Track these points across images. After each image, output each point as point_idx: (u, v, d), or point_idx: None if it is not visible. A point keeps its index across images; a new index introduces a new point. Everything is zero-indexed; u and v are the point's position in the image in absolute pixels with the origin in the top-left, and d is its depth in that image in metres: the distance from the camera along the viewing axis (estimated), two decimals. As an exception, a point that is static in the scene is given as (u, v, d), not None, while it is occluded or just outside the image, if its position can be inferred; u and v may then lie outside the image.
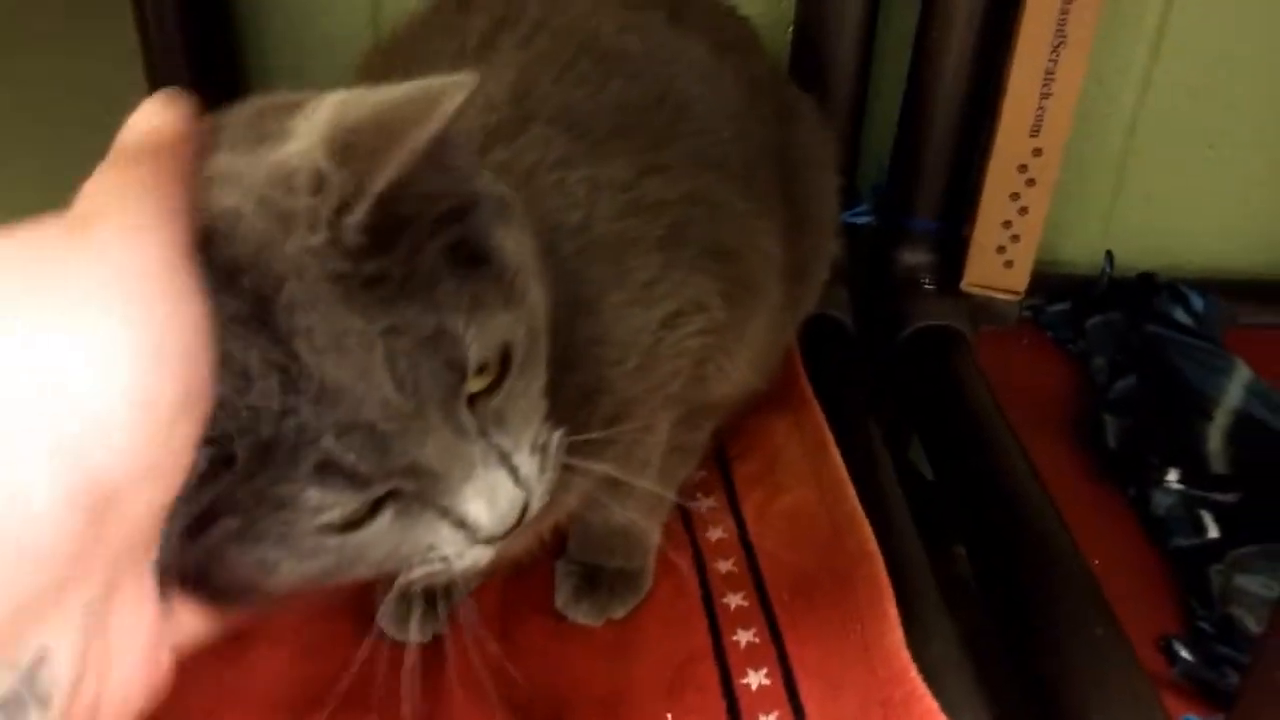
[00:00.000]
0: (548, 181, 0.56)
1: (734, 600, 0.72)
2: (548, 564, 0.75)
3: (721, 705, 0.65)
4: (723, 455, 0.85)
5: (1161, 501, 0.82)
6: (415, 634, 0.68)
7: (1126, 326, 1.01)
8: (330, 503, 0.39)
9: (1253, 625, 0.72)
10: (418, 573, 0.44)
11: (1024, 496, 0.77)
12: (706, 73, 0.71)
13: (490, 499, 0.42)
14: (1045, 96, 0.92)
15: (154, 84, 0.99)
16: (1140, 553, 0.81)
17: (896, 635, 0.63)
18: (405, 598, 0.69)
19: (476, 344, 0.40)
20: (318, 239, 0.37)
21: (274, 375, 0.36)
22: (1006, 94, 0.93)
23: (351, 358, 0.37)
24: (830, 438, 0.82)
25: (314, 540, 0.40)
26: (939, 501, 0.85)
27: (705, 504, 0.81)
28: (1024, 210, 0.98)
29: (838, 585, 0.69)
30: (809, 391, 0.88)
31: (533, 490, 0.44)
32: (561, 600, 0.72)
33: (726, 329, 0.65)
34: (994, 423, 0.85)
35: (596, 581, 0.72)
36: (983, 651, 0.66)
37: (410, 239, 0.39)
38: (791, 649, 0.67)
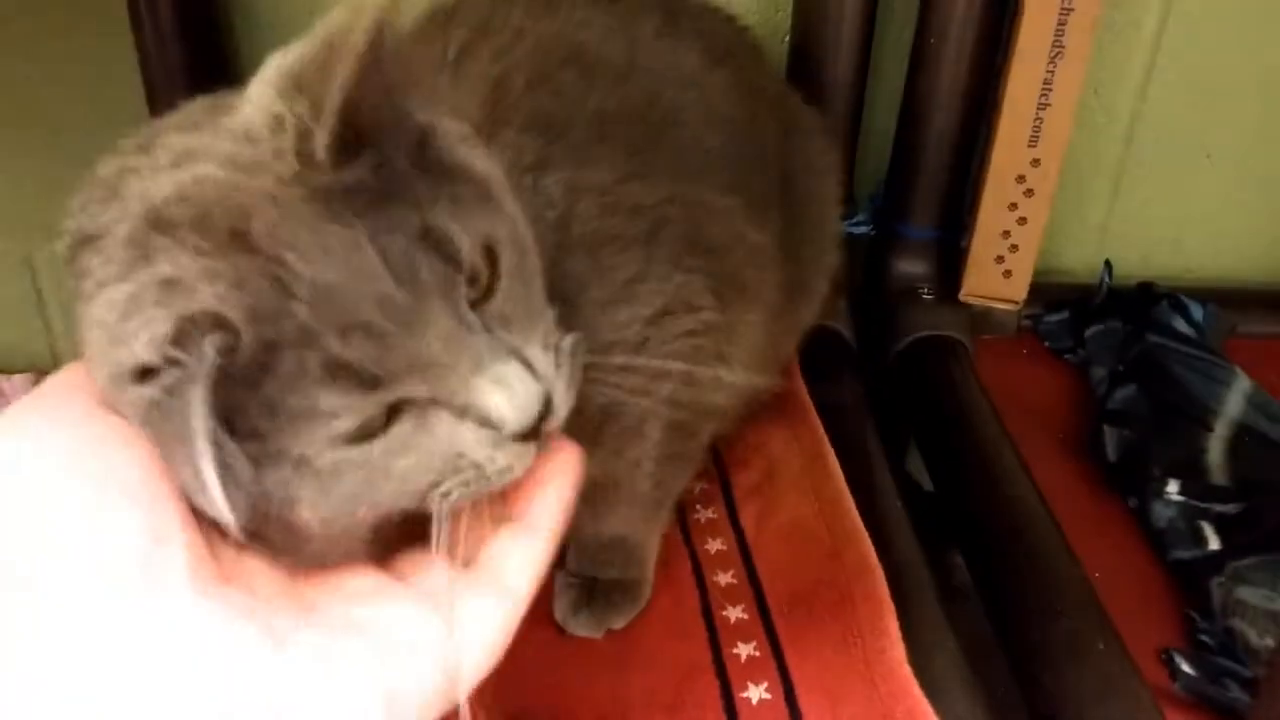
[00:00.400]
0: (521, 184, 0.55)
1: (734, 613, 0.72)
2: (547, 575, 0.74)
3: (722, 719, 0.64)
4: (721, 466, 0.85)
5: (1162, 513, 0.81)
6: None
7: (1126, 336, 1.00)
8: (341, 407, 0.38)
9: (1254, 638, 0.71)
10: (454, 488, 0.42)
11: (1024, 510, 0.77)
12: (695, 81, 0.71)
13: (508, 390, 0.41)
14: (1043, 107, 0.91)
15: (151, 92, 0.99)
16: (1141, 564, 0.80)
17: (898, 651, 0.62)
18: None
19: (465, 239, 0.40)
20: (286, 169, 0.38)
21: (266, 282, 0.37)
22: (1004, 105, 0.93)
23: (341, 259, 0.38)
24: (829, 449, 0.82)
25: (333, 456, 0.39)
26: (937, 512, 0.84)
27: (704, 515, 0.81)
28: (1022, 220, 0.97)
29: (838, 599, 0.68)
30: (807, 402, 0.88)
31: (552, 383, 0.44)
32: (560, 612, 0.72)
33: (719, 330, 0.64)
34: (994, 434, 0.85)
35: (595, 593, 0.72)
36: (985, 666, 0.66)
37: (377, 150, 0.40)
38: (792, 663, 0.67)
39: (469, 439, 0.42)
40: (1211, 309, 1.03)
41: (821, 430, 0.84)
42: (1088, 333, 1.03)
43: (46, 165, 1.06)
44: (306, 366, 0.38)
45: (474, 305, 0.42)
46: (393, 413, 0.40)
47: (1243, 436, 0.89)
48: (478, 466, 0.42)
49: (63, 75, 1.04)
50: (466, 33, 0.65)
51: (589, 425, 0.56)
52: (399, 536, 0.44)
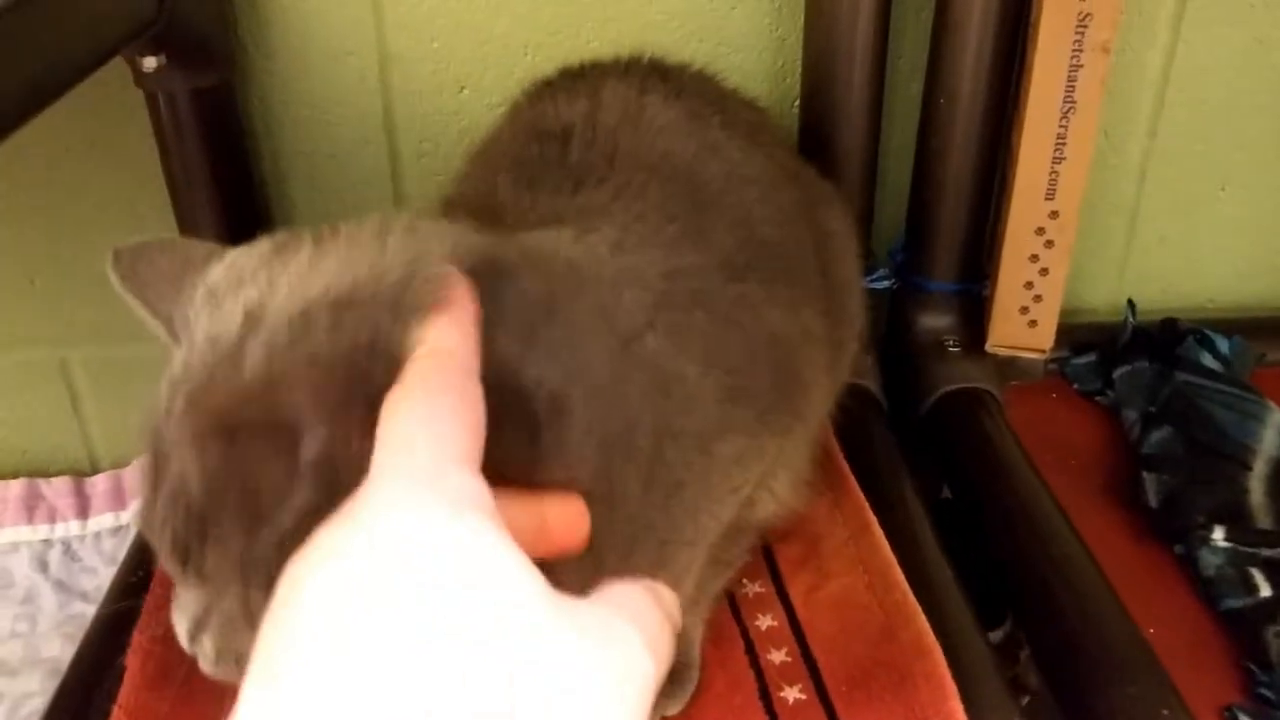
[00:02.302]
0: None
1: (791, 694, 0.72)
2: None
3: (792, 808, 0.65)
4: (764, 538, 0.85)
5: (1210, 561, 0.81)
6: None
7: (1154, 376, 1.01)
8: None
9: (1316, 689, 0.71)
10: None
11: (1074, 570, 0.77)
12: (756, 178, 0.72)
13: (180, 622, 0.46)
14: (1058, 161, 0.92)
15: (176, 198, 1.01)
16: (1192, 615, 0.80)
17: (965, 734, 0.63)
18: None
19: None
20: None
21: None
22: (1018, 161, 0.94)
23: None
24: (873, 519, 0.82)
25: None
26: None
27: (751, 589, 0.81)
28: (1044, 271, 0.98)
29: (897, 680, 0.68)
30: (845, 468, 0.88)
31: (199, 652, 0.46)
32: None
33: (777, 457, 0.65)
34: (1035, 491, 0.85)
35: None
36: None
37: None
38: (856, 747, 0.67)
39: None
40: (1238, 341, 1.04)
41: (862, 497, 0.85)
42: (1116, 374, 1.03)
43: (81, 271, 1.09)
44: None
45: None
46: None
47: (1282, 474, 0.89)
48: None
49: (90, 187, 1.06)
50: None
51: (648, 556, 0.57)
52: None
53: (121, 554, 0.93)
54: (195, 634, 0.46)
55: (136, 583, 0.78)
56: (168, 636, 0.71)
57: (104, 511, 1.15)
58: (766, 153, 0.76)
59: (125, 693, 0.68)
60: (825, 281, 0.77)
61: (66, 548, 1.12)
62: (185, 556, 0.43)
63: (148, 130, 0.98)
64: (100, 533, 1.13)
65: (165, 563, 0.45)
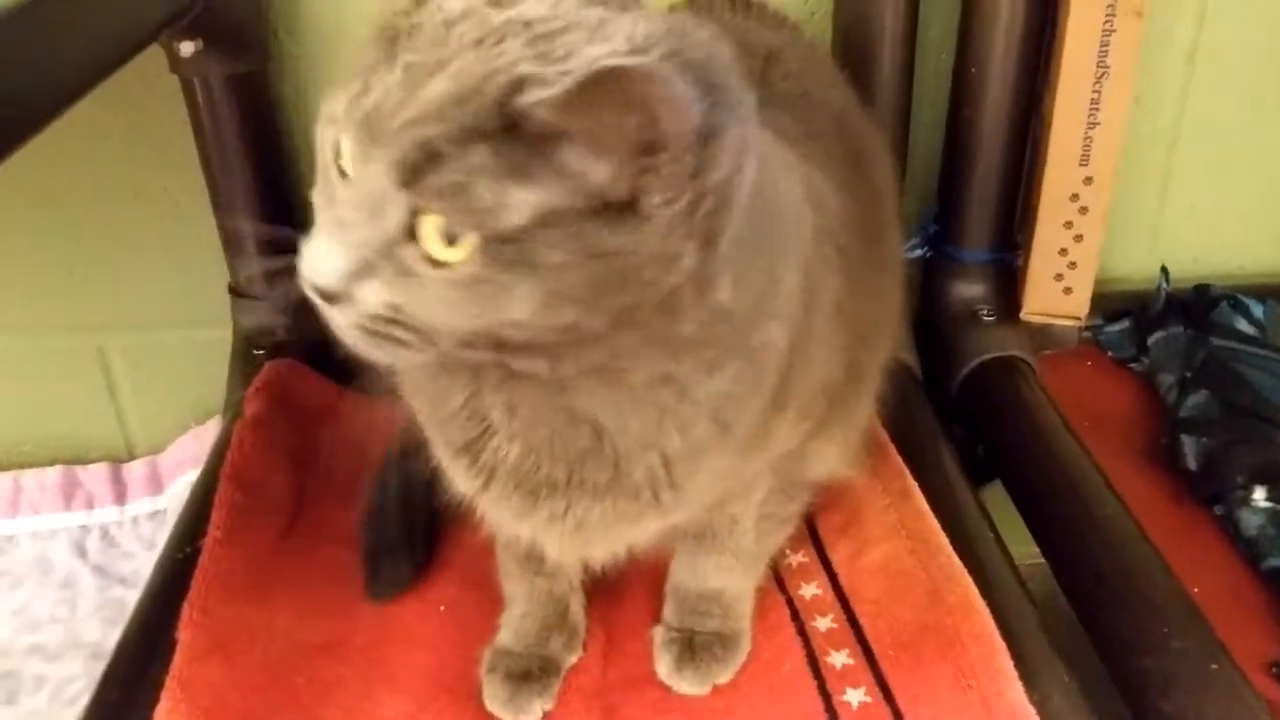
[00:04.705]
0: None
1: (839, 659, 0.72)
2: (645, 634, 0.75)
3: (843, 769, 0.65)
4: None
5: (1251, 521, 0.81)
6: (524, 715, 0.70)
7: (1189, 341, 1.00)
8: (339, 106, 0.46)
9: (1362, 643, 0.71)
10: None
11: (1117, 530, 0.77)
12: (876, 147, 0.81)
13: (322, 253, 0.46)
14: (1092, 126, 0.92)
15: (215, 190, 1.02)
16: (1234, 574, 0.80)
17: (1016, 691, 0.63)
18: (510, 678, 0.71)
19: (449, 199, 0.43)
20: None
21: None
22: (1052, 126, 0.94)
23: (435, 87, 0.43)
24: (913, 485, 0.82)
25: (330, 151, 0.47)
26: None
27: (795, 559, 0.82)
28: (1079, 238, 0.98)
29: (945, 641, 0.69)
30: (885, 437, 0.88)
31: (349, 304, 0.46)
32: (664, 670, 0.73)
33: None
34: (1075, 454, 0.85)
35: (696, 647, 0.72)
36: (1100, 696, 0.66)
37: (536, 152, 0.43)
38: (905, 708, 0.67)
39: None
40: (1272, 305, 1.04)
41: (902, 464, 0.85)
42: (1150, 340, 1.03)
43: (115, 262, 1.10)
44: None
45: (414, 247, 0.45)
46: None
47: (1320, 435, 0.89)
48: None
49: (128, 177, 1.07)
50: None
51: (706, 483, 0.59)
52: None
53: (160, 539, 0.94)
54: (353, 278, 0.46)
55: (183, 559, 0.79)
56: (216, 609, 0.73)
57: (141, 497, 1.16)
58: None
59: (178, 664, 0.69)
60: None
61: (104, 533, 1.13)
62: (414, 173, 0.44)
63: (184, 118, 0.99)
64: (137, 517, 1.14)
65: (335, 175, 0.47)
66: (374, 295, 0.46)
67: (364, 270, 0.46)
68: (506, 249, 0.44)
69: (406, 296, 0.46)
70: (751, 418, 0.58)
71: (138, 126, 1.04)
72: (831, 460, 0.75)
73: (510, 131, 0.43)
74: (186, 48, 0.92)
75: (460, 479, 0.61)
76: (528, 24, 0.44)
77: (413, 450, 0.65)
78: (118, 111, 1.02)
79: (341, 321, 0.47)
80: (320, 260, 0.46)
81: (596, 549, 0.65)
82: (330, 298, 0.46)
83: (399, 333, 0.47)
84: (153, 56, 0.94)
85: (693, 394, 0.54)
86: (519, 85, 0.42)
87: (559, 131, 0.43)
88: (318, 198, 0.49)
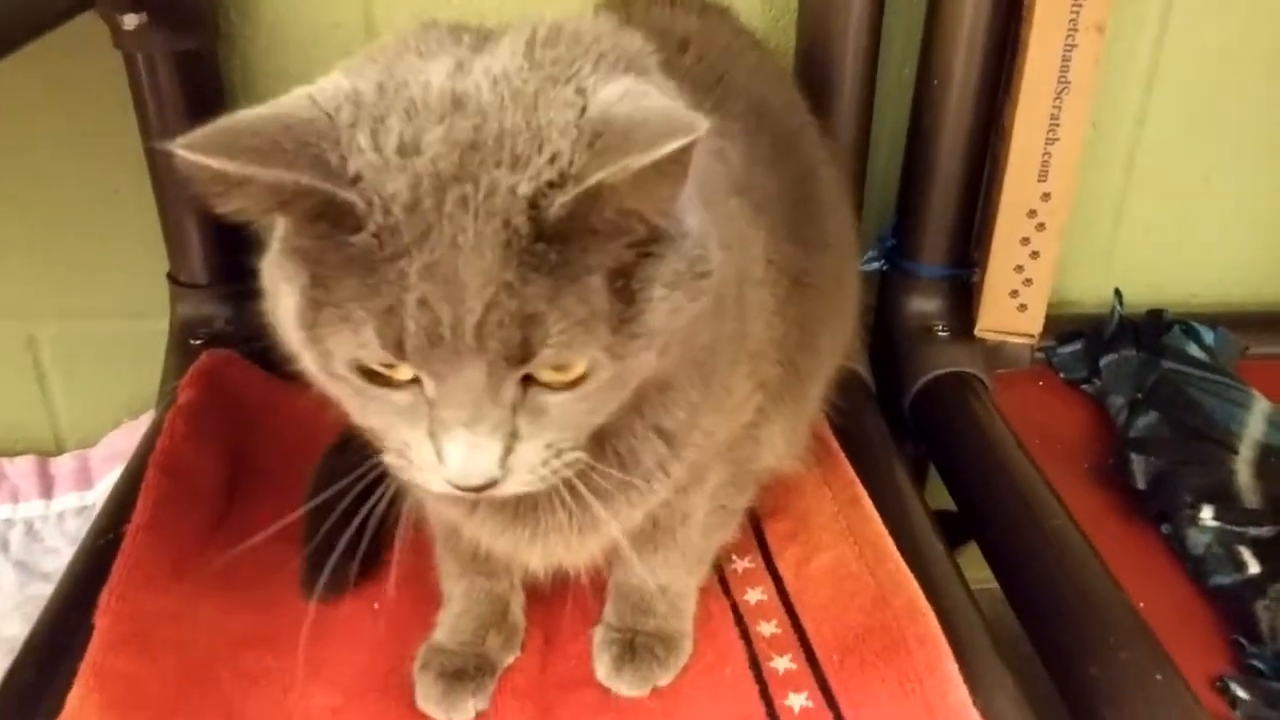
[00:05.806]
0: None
1: (782, 664, 0.71)
2: (585, 635, 0.73)
3: (783, 775, 0.63)
4: (753, 514, 0.84)
5: (1198, 539, 0.81)
6: (456, 714, 0.68)
7: (1141, 364, 1.01)
8: (369, 339, 0.45)
9: (1308, 660, 0.71)
10: (388, 456, 0.51)
11: (1065, 541, 0.76)
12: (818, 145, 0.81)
13: (469, 457, 0.47)
14: (1051, 142, 0.92)
15: (155, 174, 0.99)
16: (1180, 592, 0.80)
17: (961, 694, 0.62)
18: (443, 676, 0.68)
19: (557, 348, 0.45)
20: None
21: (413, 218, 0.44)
22: (1011, 141, 0.94)
23: (473, 271, 0.43)
24: (862, 492, 0.81)
25: (343, 367, 0.47)
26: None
27: (741, 565, 0.80)
28: (1035, 254, 0.98)
29: (889, 644, 0.67)
30: (835, 445, 0.87)
31: (512, 475, 0.49)
32: (603, 672, 0.71)
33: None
34: (1024, 468, 0.85)
35: (637, 648, 0.71)
36: (1043, 703, 0.65)
37: (581, 243, 0.45)
38: (847, 713, 0.66)
39: (423, 448, 0.49)
40: (1223, 333, 1.04)
41: (852, 473, 0.84)
42: (1102, 362, 1.03)
43: (49, 246, 1.06)
44: (381, 281, 0.44)
45: (539, 383, 0.47)
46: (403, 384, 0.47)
47: (1269, 458, 0.89)
48: (410, 464, 0.50)
49: (65, 159, 1.03)
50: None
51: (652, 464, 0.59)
52: None
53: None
54: (505, 456, 0.48)
55: (105, 545, 0.76)
56: (136, 597, 0.70)
57: (69, 491, 1.11)
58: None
59: (93, 651, 0.66)
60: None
61: (29, 527, 1.09)
62: (522, 350, 0.45)
63: (125, 96, 0.96)
64: (64, 513, 1.10)
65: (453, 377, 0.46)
66: (531, 454, 0.49)
67: (510, 443, 0.48)
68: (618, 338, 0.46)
69: (554, 429, 0.49)
70: (723, 368, 0.60)
71: (75, 104, 1.01)
72: (780, 448, 0.75)
73: (557, 243, 0.44)
74: (130, 20, 0.88)
75: (447, 506, 0.63)
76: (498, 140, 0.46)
77: (355, 448, 0.63)
78: (55, 88, 0.99)
79: (514, 490, 0.50)
80: (471, 465, 0.48)
81: (577, 554, 0.65)
82: (496, 483, 0.49)
83: (568, 455, 0.50)
84: (94, 30, 0.91)
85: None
86: (535, 203, 0.44)
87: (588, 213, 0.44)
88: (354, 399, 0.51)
